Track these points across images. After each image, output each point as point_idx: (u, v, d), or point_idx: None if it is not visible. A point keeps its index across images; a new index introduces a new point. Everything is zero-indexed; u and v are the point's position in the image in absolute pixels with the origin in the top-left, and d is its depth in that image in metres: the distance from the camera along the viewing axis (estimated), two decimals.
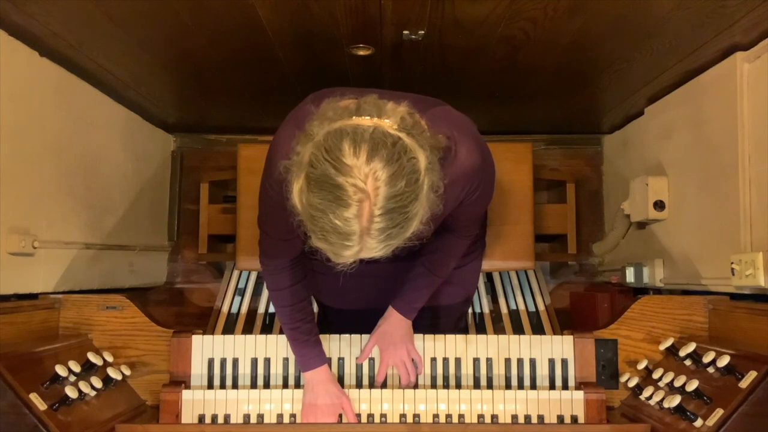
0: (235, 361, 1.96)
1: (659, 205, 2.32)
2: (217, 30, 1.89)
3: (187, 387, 1.91)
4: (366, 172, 1.21)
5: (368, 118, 1.27)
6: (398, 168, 1.23)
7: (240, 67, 2.21)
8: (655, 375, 1.86)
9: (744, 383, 1.53)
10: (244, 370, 1.96)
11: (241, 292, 2.63)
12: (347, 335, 1.98)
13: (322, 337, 1.93)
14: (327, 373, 1.85)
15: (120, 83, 2.34)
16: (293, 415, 1.87)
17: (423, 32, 1.89)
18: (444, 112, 1.55)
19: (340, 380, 1.94)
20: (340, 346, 1.97)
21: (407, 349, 1.92)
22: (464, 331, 2.47)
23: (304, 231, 1.31)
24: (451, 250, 1.82)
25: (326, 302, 2.13)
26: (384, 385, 1.93)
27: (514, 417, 1.86)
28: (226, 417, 1.87)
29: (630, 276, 2.51)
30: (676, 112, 2.29)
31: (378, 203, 1.22)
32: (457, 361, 1.96)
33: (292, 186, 1.29)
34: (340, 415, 1.85)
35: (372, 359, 1.96)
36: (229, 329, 2.49)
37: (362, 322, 1.97)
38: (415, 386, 1.93)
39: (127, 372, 1.93)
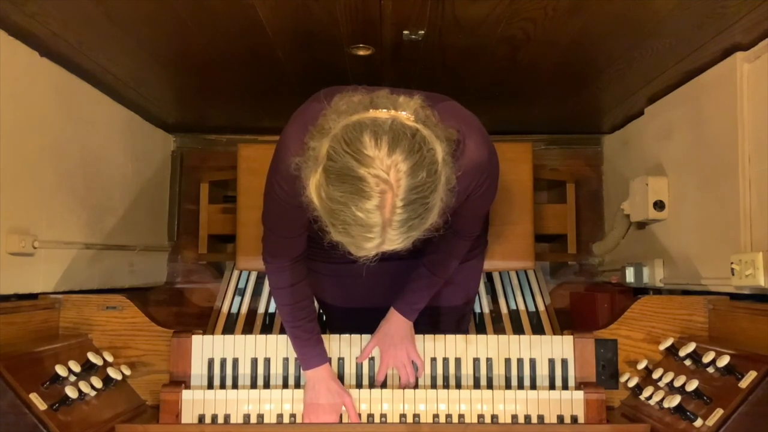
0: (235, 361, 1.96)
1: (659, 205, 2.32)
2: (217, 30, 1.89)
3: (187, 387, 1.91)
4: (388, 163, 1.21)
5: (384, 110, 1.28)
6: (419, 159, 1.24)
7: (240, 67, 2.21)
8: (655, 375, 1.85)
9: (744, 383, 1.53)
10: (244, 370, 1.96)
11: (241, 292, 2.63)
12: (347, 335, 1.98)
13: (322, 336, 1.93)
14: (328, 371, 1.85)
15: (120, 83, 2.34)
16: (293, 415, 1.87)
17: (423, 32, 1.89)
18: (451, 107, 1.56)
19: (340, 380, 1.93)
20: (340, 346, 1.97)
21: (407, 351, 1.92)
22: (465, 333, 2.47)
23: (320, 226, 1.31)
24: (452, 251, 1.82)
25: (330, 302, 2.13)
26: (384, 385, 1.93)
27: (514, 417, 1.86)
28: (226, 417, 1.87)
29: (630, 276, 2.51)
30: (676, 112, 2.29)
31: (400, 194, 1.22)
32: (457, 361, 1.96)
33: (309, 181, 1.29)
34: (339, 415, 1.86)
35: (372, 359, 1.96)
36: (229, 329, 2.49)
37: (366, 320, 1.98)
38: (415, 386, 1.93)
39: (127, 372, 1.92)
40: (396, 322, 1.90)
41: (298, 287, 1.76)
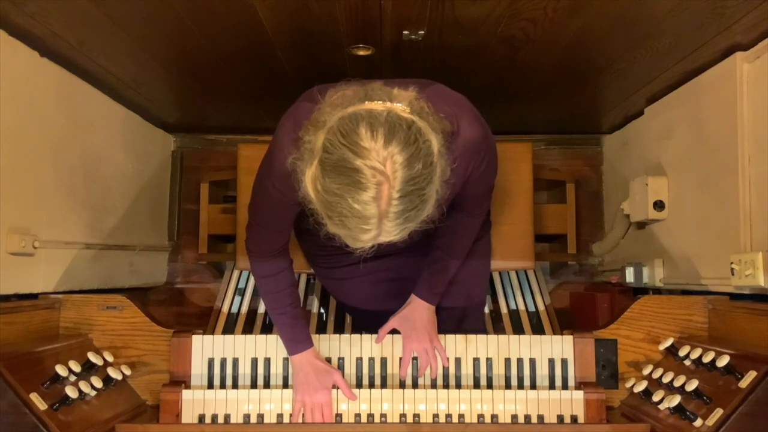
0: (235, 361, 1.96)
1: (659, 205, 2.32)
2: (217, 30, 1.89)
3: (187, 387, 1.91)
4: (384, 155, 1.22)
5: (380, 102, 1.28)
6: (415, 150, 1.24)
7: (240, 67, 2.21)
8: (655, 375, 1.85)
9: (744, 383, 1.53)
10: (244, 370, 1.96)
11: (241, 292, 2.63)
12: (347, 335, 1.98)
13: (322, 336, 1.94)
14: (314, 353, 1.87)
15: (120, 83, 2.34)
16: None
17: (423, 32, 1.89)
18: (440, 90, 1.57)
19: None
20: (340, 346, 1.97)
21: (430, 337, 1.92)
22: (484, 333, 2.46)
23: (316, 219, 1.32)
24: (464, 231, 1.84)
25: (348, 303, 2.13)
26: (384, 385, 1.94)
27: (514, 417, 1.86)
28: (226, 417, 1.87)
29: (630, 276, 2.51)
30: (676, 112, 2.29)
31: (396, 186, 1.23)
32: (457, 361, 1.96)
33: (304, 174, 1.30)
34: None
35: (372, 359, 1.96)
36: (229, 329, 2.49)
37: (381, 319, 1.98)
38: (415, 386, 1.93)
39: (128, 372, 1.92)
40: (417, 308, 1.90)
41: (282, 276, 1.78)
